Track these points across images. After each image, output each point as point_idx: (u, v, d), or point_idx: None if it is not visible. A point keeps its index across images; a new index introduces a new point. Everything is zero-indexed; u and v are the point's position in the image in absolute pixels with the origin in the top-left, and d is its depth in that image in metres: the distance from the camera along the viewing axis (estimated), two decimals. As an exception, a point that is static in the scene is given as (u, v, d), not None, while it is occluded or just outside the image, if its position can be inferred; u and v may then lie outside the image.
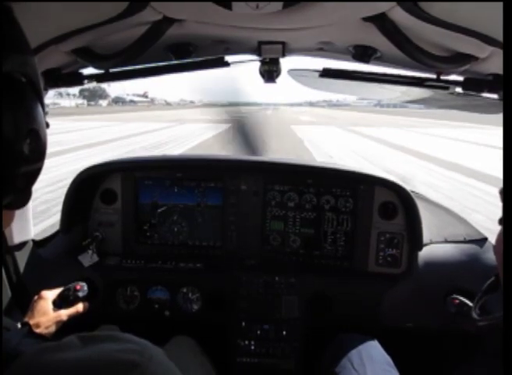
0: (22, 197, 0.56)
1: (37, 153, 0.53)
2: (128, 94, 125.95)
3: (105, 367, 0.47)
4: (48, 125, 0.59)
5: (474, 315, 1.10)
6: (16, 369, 0.46)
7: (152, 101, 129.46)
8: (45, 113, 0.59)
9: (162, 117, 38.25)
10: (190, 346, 1.46)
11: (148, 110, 63.94)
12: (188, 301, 1.64)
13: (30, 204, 0.56)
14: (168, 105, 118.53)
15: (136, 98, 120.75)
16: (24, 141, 0.49)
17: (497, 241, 0.84)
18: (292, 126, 27.18)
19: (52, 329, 1.20)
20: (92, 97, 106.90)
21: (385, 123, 35.83)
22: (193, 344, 1.47)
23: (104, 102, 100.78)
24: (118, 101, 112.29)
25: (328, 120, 38.10)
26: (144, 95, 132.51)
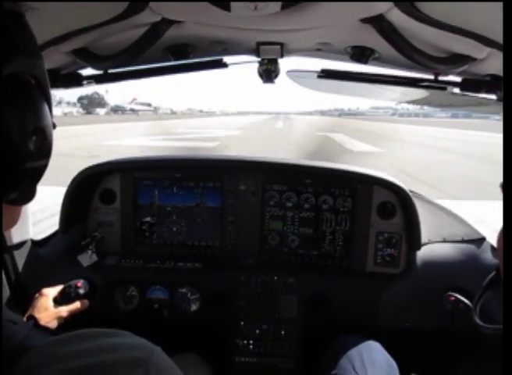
0: (26, 193, 0.59)
1: (42, 151, 0.57)
2: (129, 103, 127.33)
3: (111, 365, 0.50)
4: (54, 126, 0.63)
5: (477, 320, 1.13)
6: (26, 363, 0.48)
7: (156, 109, 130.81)
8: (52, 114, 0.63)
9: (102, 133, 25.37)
10: (197, 364, 1.49)
11: (122, 121, 49.19)
12: (187, 301, 1.69)
13: (29, 204, 0.59)
14: (173, 113, 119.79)
15: (137, 107, 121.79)
16: (30, 138, 0.53)
17: (499, 238, 0.89)
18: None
19: (53, 324, 1.28)
20: (90, 105, 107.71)
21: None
22: (200, 362, 1.50)
23: (102, 111, 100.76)
24: (117, 109, 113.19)
25: (380, 144, 19.40)
26: (133, 102, 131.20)
